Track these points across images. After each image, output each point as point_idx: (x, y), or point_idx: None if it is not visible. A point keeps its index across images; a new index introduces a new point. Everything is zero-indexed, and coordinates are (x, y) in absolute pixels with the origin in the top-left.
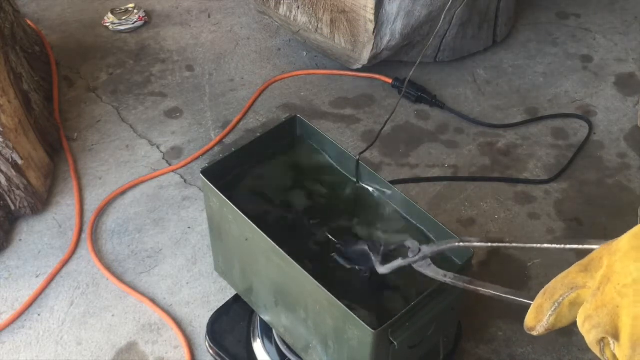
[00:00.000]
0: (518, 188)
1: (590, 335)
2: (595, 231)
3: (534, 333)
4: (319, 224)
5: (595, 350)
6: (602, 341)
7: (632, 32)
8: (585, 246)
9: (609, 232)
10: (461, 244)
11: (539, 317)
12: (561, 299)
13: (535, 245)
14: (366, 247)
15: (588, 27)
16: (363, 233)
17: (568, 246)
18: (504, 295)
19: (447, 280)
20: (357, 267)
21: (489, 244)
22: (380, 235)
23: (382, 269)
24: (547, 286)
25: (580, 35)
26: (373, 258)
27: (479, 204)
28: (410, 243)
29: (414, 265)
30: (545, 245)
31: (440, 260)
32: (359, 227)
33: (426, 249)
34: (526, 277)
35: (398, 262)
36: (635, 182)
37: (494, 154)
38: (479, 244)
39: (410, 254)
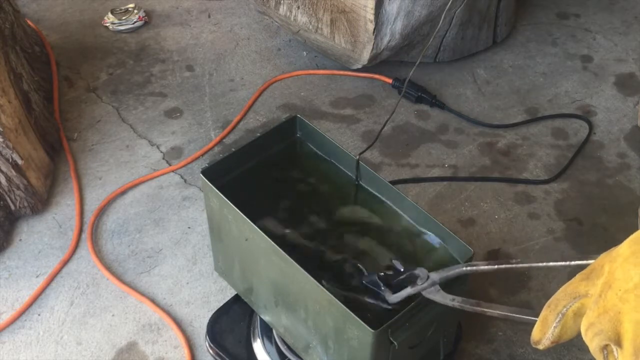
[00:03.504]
0: (518, 188)
1: (593, 342)
2: (595, 231)
3: (540, 347)
4: (319, 225)
5: (599, 358)
6: (605, 349)
7: (632, 32)
8: (590, 261)
9: (609, 232)
10: (468, 268)
11: (544, 330)
12: (565, 309)
13: (540, 264)
14: (376, 278)
15: (588, 27)
16: (363, 233)
17: (573, 262)
18: (510, 315)
19: (455, 304)
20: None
21: (496, 267)
22: (384, 240)
23: (392, 298)
24: (551, 298)
25: (580, 35)
26: (383, 288)
27: (479, 204)
28: (420, 271)
29: (423, 293)
30: (551, 264)
31: (440, 260)
32: (358, 226)
33: (434, 276)
34: (526, 276)
35: (407, 291)
36: (635, 182)
37: (494, 154)
38: (485, 267)
39: (419, 282)
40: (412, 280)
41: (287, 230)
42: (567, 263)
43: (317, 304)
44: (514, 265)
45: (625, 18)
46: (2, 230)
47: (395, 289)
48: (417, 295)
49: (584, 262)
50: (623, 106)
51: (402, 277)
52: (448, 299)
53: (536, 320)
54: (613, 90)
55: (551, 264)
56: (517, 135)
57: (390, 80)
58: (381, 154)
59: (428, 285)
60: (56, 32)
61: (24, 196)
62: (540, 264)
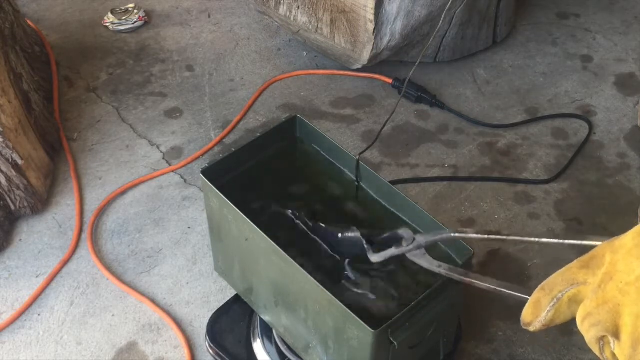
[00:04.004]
0: (518, 188)
1: (589, 333)
2: (595, 231)
3: (531, 329)
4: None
5: (595, 349)
6: (602, 340)
7: (632, 32)
8: (585, 242)
9: (609, 232)
10: (456, 234)
11: (536, 313)
12: (560, 294)
13: (533, 239)
14: (359, 234)
15: (588, 27)
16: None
17: (567, 241)
18: (499, 289)
19: (442, 271)
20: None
21: (485, 236)
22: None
23: (375, 257)
24: (546, 281)
25: (580, 35)
26: (365, 246)
27: (479, 204)
28: (405, 232)
29: (408, 255)
30: (544, 240)
31: (439, 259)
32: (358, 226)
33: (420, 239)
34: (526, 277)
35: (391, 251)
36: (635, 182)
37: (494, 154)
38: (474, 235)
39: (404, 244)
40: (396, 241)
41: (287, 230)
42: (561, 241)
43: (317, 304)
44: (504, 237)
45: (625, 18)
46: (2, 230)
47: (378, 248)
48: (403, 258)
49: (579, 242)
50: (623, 106)
51: (385, 235)
52: (434, 265)
53: (526, 299)
54: (613, 90)
55: (544, 240)
56: (517, 135)
57: (390, 80)
58: (381, 154)
59: (413, 247)
60: (56, 32)
61: (24, 196)
62: (532, 239)
